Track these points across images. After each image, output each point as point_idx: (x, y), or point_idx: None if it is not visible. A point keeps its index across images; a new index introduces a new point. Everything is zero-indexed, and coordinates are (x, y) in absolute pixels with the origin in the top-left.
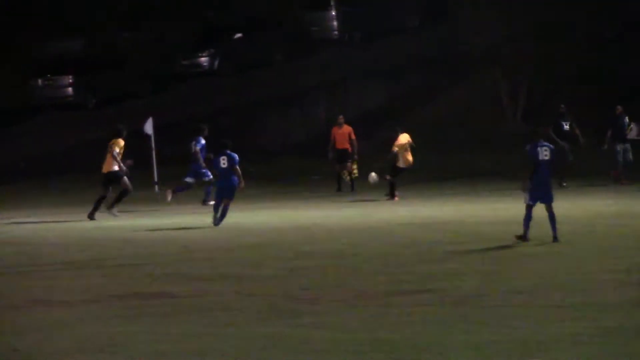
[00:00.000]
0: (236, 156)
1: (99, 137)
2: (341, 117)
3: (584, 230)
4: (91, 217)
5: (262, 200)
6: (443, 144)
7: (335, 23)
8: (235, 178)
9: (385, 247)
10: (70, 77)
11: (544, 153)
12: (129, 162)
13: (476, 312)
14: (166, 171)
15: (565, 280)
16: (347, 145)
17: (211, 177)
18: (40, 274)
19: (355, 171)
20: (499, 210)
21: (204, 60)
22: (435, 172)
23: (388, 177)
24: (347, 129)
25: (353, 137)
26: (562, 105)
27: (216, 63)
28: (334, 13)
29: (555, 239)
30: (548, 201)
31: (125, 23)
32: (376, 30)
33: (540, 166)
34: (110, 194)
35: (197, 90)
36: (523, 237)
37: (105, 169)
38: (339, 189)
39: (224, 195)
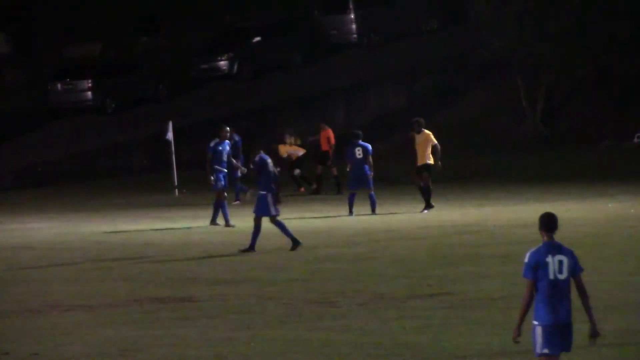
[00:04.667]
0: (369, 146)
1: (119, 141)
2: (322, 123)
3: (605, 232)
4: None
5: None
6: (461, 147)
7: (353, 26)
8: (367, 167)
9: (405, 251)
10: (89, 81)
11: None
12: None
13: (497, 315)
14: (185, 175)
15: (587, 282)
16: (328, 148)
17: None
18: (59, 278)
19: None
20: (518, 212)
21: (222, 63)
22: (454, 175)
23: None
24: (327, 132)
25: (333, 141)
26: None
27: (235, 66)
28: (352, 16)
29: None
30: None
31: (144, 27)
32: (394, 33)
33: None
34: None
35: (216, 93)
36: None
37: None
38: (317, 191)
39: (360, 185)
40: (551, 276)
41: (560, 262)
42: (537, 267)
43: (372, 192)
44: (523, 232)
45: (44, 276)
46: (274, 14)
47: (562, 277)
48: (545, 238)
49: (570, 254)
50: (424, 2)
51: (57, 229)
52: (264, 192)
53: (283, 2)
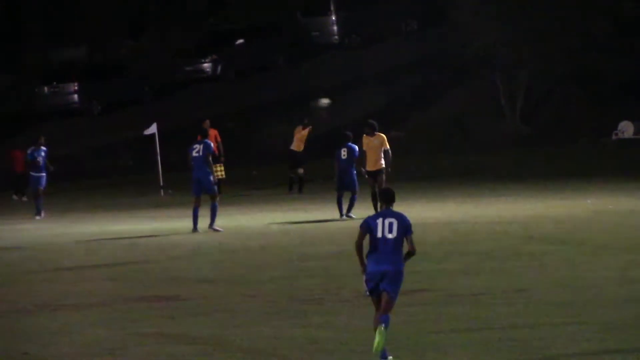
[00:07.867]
0: (356, 148)
1: (105, 144)
2: (206, 121)
3: (584, 228)
4: None
5: (266, 203)
6: (442, 146)
7: (335, 28)
8: (354, 170)
9: None
10: (76, 84)
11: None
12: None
13: (478, 310)
14: (171, 176)
15: (565, 278)
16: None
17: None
18: (47, 278)
19: (221, 173)
20: (499, 210)
21: (206, 66)
22: (435, 173)
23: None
24: (212, 132)
25: (219, 139)
26: None
27: (219, 68)
28: (333, 18)
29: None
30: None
31: (129, 30)
32: (375, 34)
33: None
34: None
35: (200, 95)
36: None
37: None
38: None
39: (345, 186)
40: (379, 235)
41: (391, 223)
42: (369, 227)
43: (355, 195)
44: (503, 229)
45: (32, 276)
46: (257, 17)
47: (391, 236)
48: (384, 207)
49: (401, 218)
50: (405, 3)
51: (45, 230)
52: None
53: (266, 5)
